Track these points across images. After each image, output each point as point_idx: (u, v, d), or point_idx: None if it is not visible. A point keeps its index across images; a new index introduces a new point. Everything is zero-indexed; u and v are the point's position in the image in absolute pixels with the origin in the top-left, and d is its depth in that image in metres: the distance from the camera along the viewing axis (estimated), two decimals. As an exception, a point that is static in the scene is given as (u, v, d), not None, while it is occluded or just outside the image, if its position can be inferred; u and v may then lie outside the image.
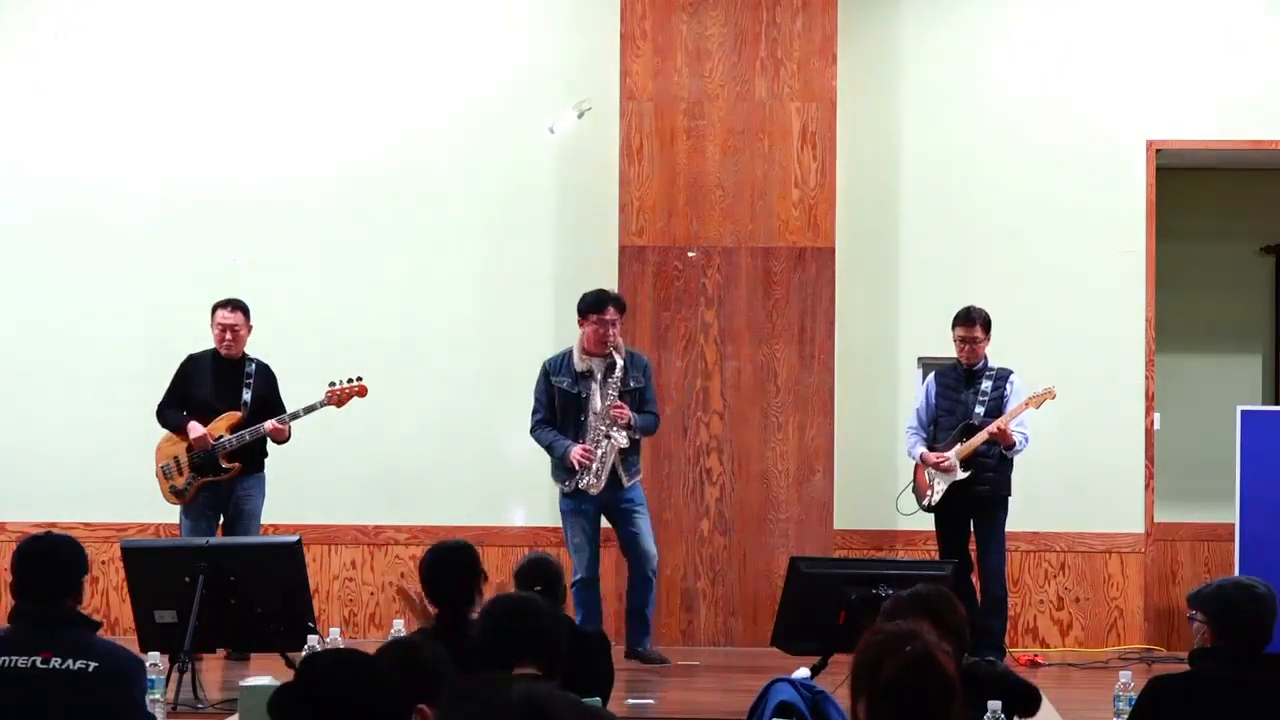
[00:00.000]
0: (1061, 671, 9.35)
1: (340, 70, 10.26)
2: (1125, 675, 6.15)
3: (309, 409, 9.01)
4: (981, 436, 8.96)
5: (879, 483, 9.88)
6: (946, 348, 9.40)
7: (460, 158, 10.21)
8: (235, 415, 9.00)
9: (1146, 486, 10.02)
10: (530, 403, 9.02)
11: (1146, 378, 10.01)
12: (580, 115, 9.95)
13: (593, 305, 8.83)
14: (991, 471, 9.02)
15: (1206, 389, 10.73)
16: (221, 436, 8.97)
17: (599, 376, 8.80)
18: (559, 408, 8.87)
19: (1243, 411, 9.65)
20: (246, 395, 9.04)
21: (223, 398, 9.06)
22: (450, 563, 5.98)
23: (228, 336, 9.05)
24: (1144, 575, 10.04)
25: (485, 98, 10.21)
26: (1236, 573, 8.88)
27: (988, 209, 10.12)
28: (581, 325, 8.87)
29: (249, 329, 9.15)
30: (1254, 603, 4.98)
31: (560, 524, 9.14)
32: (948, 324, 9.27)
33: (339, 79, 10.25)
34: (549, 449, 8.90)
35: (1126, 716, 5.54)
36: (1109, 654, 9.75)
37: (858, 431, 9.96)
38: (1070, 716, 7.19)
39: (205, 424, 9.00)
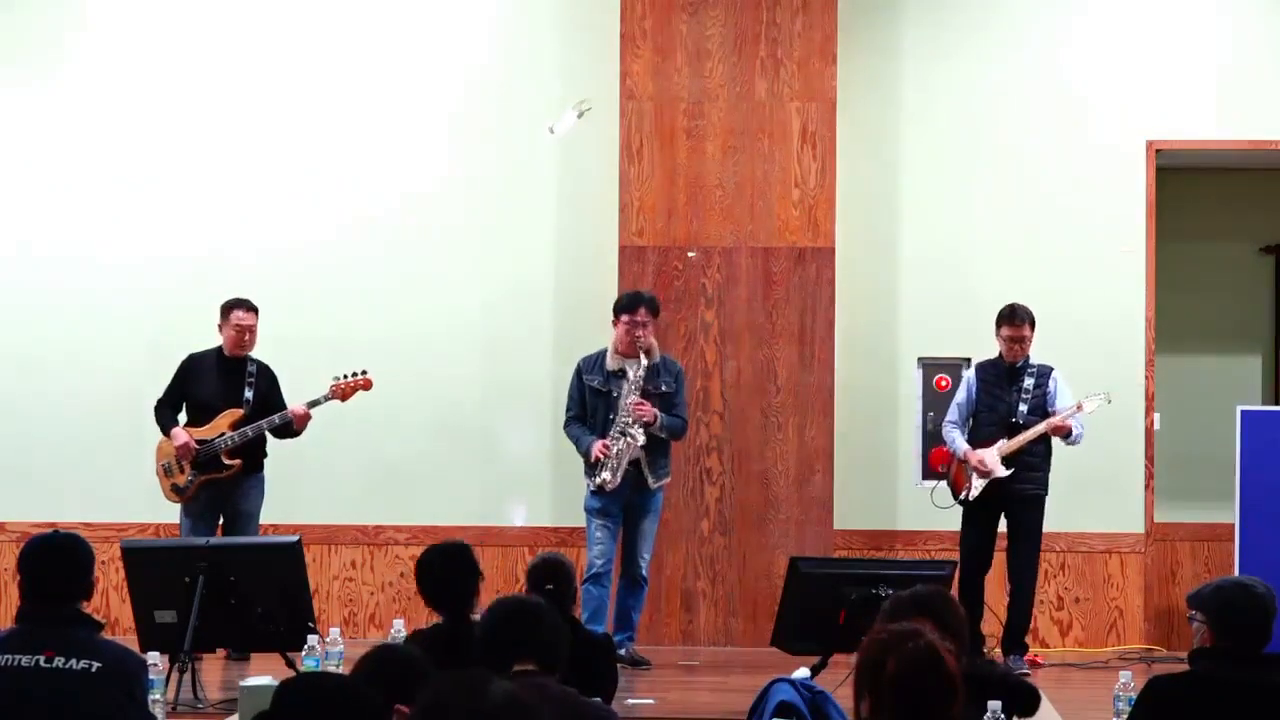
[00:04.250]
0: (1061, 671, 9.35)
1: (339, 71, 10.26)
2: (1125, 675, 6.15)
3: (314, 403, 9.04)
4: (1029, 435, 8.96)
5: (879, 483, 9.88)
6: (946, 348, 9.41)
7: (460, 158, 10.21)
8: (238, 413, 9.03)
9: (1146, 486, 10.02)
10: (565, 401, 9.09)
11: (1146, 378, 10.01)
12: (580, 115, 9.95)
13: (625, 306, 8.90)
14: (1037, 470, 9.04)
15: (1206, 389, 10.74)
16: (222, 434, 8.98)
17: (630, 376, 8.82)
18: (589, 406, 8.91)
19: (1243, 411, 9.65)
20: (249, 393, 9.06)
21: (225, 396, 9.08)
22: (448, 564, 6.01)
23: (247, 337, 9.09)
24: (1144, 575, 10.04)
25: (485, 98, 10.22)
26: (1236, 573, 8.88)
27: (987, 209, 10.13)
28: (615, 325, 8.91)
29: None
30: (1254, 603, 4.97)
31: (573, 523, 9.14)
32: (948, 324, 9.28)
33: (337, 79, 10.26)
34: (576, 444, 8.96)
35: (1126, 716, 5.54)
36: (1109, 654, 9.75)
37: (858, 431, 9.96)
38: (1070, 716, 7.19)
39: (207, 421, 9.03)
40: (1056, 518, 9.92)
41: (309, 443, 9.54)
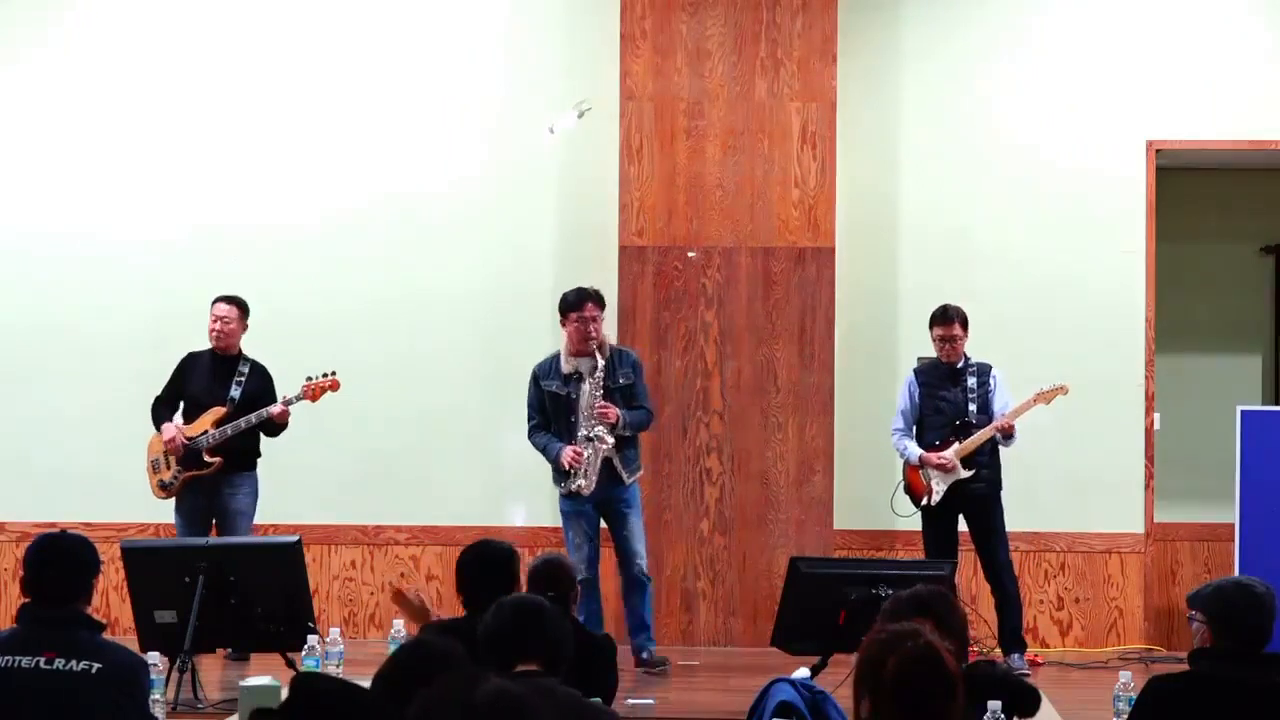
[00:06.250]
0: (1061, 671, 9.34)
1: (340, 71, 10.26)
2: (1125, 675, 6.16)
3: (288, 401, 9.05)
4: (986, 433, 8.97)
5: (879, 483, 9.86)
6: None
7: (460, 158, 10.21)
8: (220, 411, 9.04)
9: (1146, 486, 10.02)
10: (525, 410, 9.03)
11: (1146, 378, 10.01)
12: (580, 115, 9.95)
13: (572, 304, 8.81)
14: (986, 468, 9.05)
15: (1206, 389, 10.74)
16: (205, 431, 9.00)
17: (586, 376, 8.77)
18: (550, 411, 8.85)
19: (1243, 411, 9.65)
20: (235, 392, 9.08)
21: (213, 394, 9.11)
22: (488, 572, 5.99)
23: (217, 327, 9.12)
24: (1144, 575, 10.05)
25: (485, 98, 10.21)
26: (1236, 573, 8.88)
27: (987, 209, 10.13)
28: (564, 325, 8.86)
29: (244, 326, 9.20)
30: (1254, 602, 4.98)
31: (560, 525, 9.13)
32: (947, 324, 9.25)
33: (338, 80, 10.25)
34: (544, 452, 8.89)
35: (1126, 716, 5.55)
36: (1109, 654, 9.75)
37: (858, 431, 9.96)
38: (1070, 716, 7.18)
39: (196, 418, 9.05)
40: (1056, 518, 9.94)
41: (309, 443, 9.55)
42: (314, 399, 9.09)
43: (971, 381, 9.11)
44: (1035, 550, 9.94)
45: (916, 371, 9.30)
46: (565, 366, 8.81)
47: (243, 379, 9.12)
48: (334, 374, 9.11)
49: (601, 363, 8.72)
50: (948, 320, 9.11)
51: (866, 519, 9.94)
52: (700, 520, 9.77)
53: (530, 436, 8.94)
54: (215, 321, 9.14)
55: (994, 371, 9.16)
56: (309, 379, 9.10)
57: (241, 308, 9.19)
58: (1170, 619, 10.19)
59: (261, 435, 9.14)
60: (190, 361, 9.22)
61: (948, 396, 9.12)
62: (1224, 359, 10.97)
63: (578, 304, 8.78)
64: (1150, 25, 10.15)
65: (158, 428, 9.13)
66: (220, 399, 9.08)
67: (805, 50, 9.84)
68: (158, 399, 9.20)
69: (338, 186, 10.21)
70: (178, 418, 9.15)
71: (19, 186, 10.30)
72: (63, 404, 10.13)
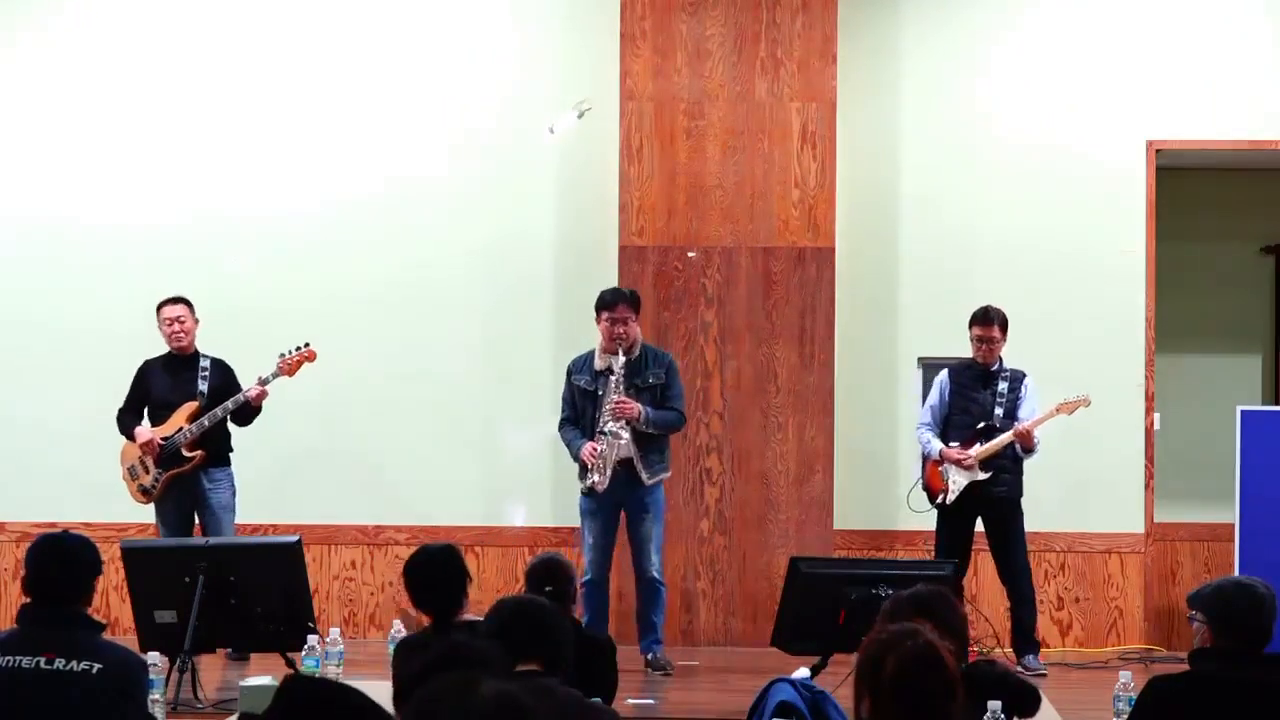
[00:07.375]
0: (1061, 671, 9.34)
1: (340, 71, 10.26)
2: (1125, 675, 6.16)
3: (264, 380, 9.01)
4: (1006, 438, 8.96)
5: (879, 483, 9.88)
6: (946, 348, 9.40)
7: (460, 158, 10.21)
8: (193, 405, 9.04)
9: (1146, 486, 10.02)
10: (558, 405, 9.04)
11: (1146, 378, 10.01)
12: (580, 115, 9.95)
13: (607, 302, 8.81)
14: (1008, 473, 9.04)
15: (1206, 389, 10.74)
16: (181, 428, 8.99)
17: (616, 373, 8.78)
18: (579, 406, 8.85)
19: (1243, 411, 9.66)
20: (203, 386, 9.08)
21: (180, 392, 9.10)
22: (435, 567, 6.01)
23: (175, 328, 9.12)
24: (1144, 575, 10.05)
25: (485, 98, 10.21)
26: (1236, 573, 8.88)
27: (987, 209, 10.13)
28: (598, 323, 8.87)
29: (195, 322, 9.20)
30: (1254, 603, 4.98)
31: (573, 523, 9.12)
32: (948, 324, 9.26)
33: (339, 79, 10.25)
34: (568, 447, 8.89)
35: (1126, 716, 5.55)
36: (1109, 654, 9.75)
37: (858, 431, 9.97)
38: (1070, 716, 7.18)
39: (165, 420, 9.05)
40: (1056, 518, 9.94)
41: (309, 442, 9.54)
42: (291, 373, 9.05)
43: (1002, 386, 9.10)
44: (1035, 550, 9.90)
45: (950, 370, 9.28)
46: (597, 363, 8.82)
47: (206, 373, 9.12)
48: (308, 345, 9.06)
49: (622, 359, 8.70)
50: (987, 321, 9.09)
51: (866, 519, 9.95)
52: (700, 520, 9.77)
53: (559, 429, 8.96)
54: (171, 324, 9.13)
55: (1027, 379, 9.13)
56: (283, 355, 9.06)
57: (188, 304, 9.21)
58: (1170, 619, 10.19)
59: (233, 430, 9.11)
60: (148, 367, 9.22)
61: (977, 399, 9.11)
62: (1224, 359, 10.97)
63: (611, 303, 8.79)
64: (1150, 25, 10.15)
65: (128, 435, 9.11)
66: (190, 396, 9.09)
67: (805, 50, 9.84)
68: (121, 409, 9.19)
69: (337, 187, 10.20)
70: (145, 423, 9.15)
71: (20, 185, 10.29)
72: (63, 404, 10.12)
